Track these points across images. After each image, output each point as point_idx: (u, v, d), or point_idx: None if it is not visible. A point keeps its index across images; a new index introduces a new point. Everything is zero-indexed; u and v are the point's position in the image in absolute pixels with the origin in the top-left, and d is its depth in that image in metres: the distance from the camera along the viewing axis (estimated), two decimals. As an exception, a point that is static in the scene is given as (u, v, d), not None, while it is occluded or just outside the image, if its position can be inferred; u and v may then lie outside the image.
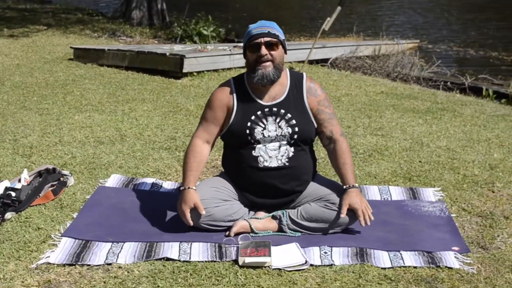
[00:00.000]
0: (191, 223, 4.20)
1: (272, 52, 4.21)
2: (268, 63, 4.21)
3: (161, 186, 5.14)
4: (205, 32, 13.45)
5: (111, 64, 9.96)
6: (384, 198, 4.95)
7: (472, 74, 10.75)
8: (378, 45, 12.00)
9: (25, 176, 4.93)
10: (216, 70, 9.61)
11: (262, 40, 4.20)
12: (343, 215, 4.20)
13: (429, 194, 5.01)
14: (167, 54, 9.44)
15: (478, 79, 10.62)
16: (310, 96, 4.36)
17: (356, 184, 4.33)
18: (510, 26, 17.32)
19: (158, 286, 3.63)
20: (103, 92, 8.17)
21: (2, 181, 4.84)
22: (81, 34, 13.73)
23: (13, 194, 4.57)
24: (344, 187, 4.31)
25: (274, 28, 4.29)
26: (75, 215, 4.51)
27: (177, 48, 10.50)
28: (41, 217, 4.47)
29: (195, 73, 9.34)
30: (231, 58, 9.58)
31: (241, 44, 4.40)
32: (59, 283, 3.66)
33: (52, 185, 4.87)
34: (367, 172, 5.45)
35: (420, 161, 5.72)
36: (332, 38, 14.32)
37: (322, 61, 11.10)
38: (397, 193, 5.04)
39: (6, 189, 4.63)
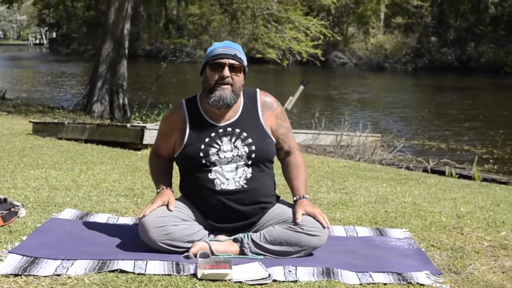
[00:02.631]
0: (147, 213, 3.98)
1: (234, 77, 4.08)
2: (228, 86, 4.06)
3: (117, 220, 4.89)
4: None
5: (70, 137, 9.81)
6: (350, 235, 4.76)
7: (434, 160, 10.78)
8: (339, 135, 11.99)
9: (-26, 205, 4.67)
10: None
11: (228, 61, 4.07)
12: (299, 220, 4.01)
13: (396, 233, 4.82)
14: (128, 126, 9.32)
15: (440, 162, 10.62)
16: (266, 111, 4.22)
17: (308, 196, 4.19)
18: (481, 130, 17.59)
19: (110, 292, 3.37)
20: (61, 156, 7.96)
21: (-52, 205, 4.59)
22: (41, 119, 13.57)
23: (-40, 215, 4.31)
24: (294, 198, 4.19)
25: (240, 52, 4.18)
26: (24, 238, 4.25)
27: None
28: (-12, 238, 4.20)
29: (155, 146, 9.19)
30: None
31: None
32: (3, 289, 3.39)
33: (2, 213, 4.61)
34: (331, 217, 5.26)
35: (385, 211, 5.56)
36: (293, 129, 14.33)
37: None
38: (363, 231, 4.85)
39: (-48, 212, 4.37)
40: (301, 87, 9.44)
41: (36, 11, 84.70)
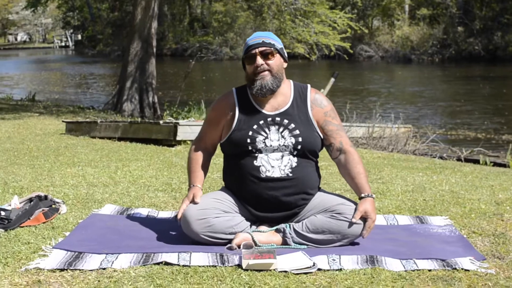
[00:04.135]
0: (179, 215, 4.08)
1: (268, 62, 4.13)
2: (266, 73, 4.11)
3: (157, 214, 4.92)
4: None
5: (103, 136, 9.86)
6: (390, 224, 4.75)
7: (468, 149, 10.71)
8: (371, 126, 11.94)
9: (16, 202, 4.72)
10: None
11: (257, 50, 4.13)
12: (356, 219, 4.00)
13: (437, 220, 4.80)
14: (161, 122, 9.36)
15: (474, 151, 10.56)
16: (315, 107, 4.23)
17: (374, 195, 4.17)
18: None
19: (157, 283, 3.39)
20: (96, 154, 8.01)
21: (-9, 202, 4.65)
22: (73, 119, 13.64)
23: (3, 213, 4.36)
24: (362, 195, 4.13)
25: (269, 37, 4.22)
26: (67, 234, 4.28)
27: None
28: (32, 234, 4.26)
29: (188, 142, 9.22)
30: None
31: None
32: (50, 283, 3.42)
33: (43, 210, 4.65)
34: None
35: (424, 199, 5.54)
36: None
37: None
38: (404, 219, 4.84)
39: (-4, 209, 4.42)
40: (332, 80, 9.43)
41: (60, 14, 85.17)
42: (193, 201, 4.09)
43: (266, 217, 4.17)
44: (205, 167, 4.35)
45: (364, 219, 4.04)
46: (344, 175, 4.31)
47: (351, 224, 4.02)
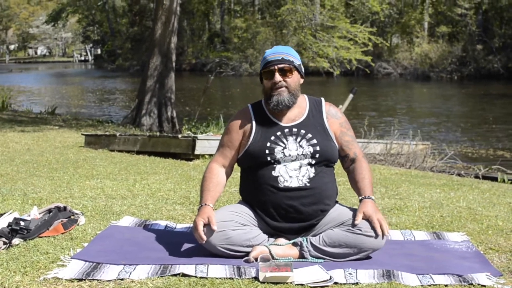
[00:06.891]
0: (204, 237, 3.98)
1: (286, 79, 4.20)
2: (283, 89, 4.19)
3: (175, 227, 4.95)
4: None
5: (122, 149, 9.90)
6: (407, 239, 4.75)
7: (486, 167, 10.69)
8: (389, 143, 11.93)
9: (35, 212, 4.77)
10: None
11: (276, 67, 4.19)
12: (358, 221, 4.01)
13: (454, 236, 4.80)
14: (179, 136, 9.41)
15: (492, 169, 10.53)
16: (330, 118, 4.30)
17: (373, 197, 4.18)
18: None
19: (174, 295, 3.42)
20: (114, 167, 8.06)
21: (12, 212, 4.69)
22: (92, 132, 13.71)
23: (22, 223, 4.39)
24: (360, 197, 4.18)
25: (288, 54, 4.27)
26: (85, 244, 4.32)
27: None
28: (50, 245, 4.29)
29: (207, 156, 9.25)
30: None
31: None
32: (69, 293, 3.45)
33: (62, 221, 4.69)
34: (387, 222, 5.24)
35: (441, 216, 5.54)
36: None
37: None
38: (420, 235, 4.84)
39: (15, 219, 4.45)
40: (351, 95, 9.46)
41: (80, 28, 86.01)
42: (209, 225, 4.01)
43: (283, 227, 4.19)
44: (220, 186, 4.31)
45: (367, 221, 4.04)
46: (350, 181, 4.36)
47: (367, 237, 4.03)
